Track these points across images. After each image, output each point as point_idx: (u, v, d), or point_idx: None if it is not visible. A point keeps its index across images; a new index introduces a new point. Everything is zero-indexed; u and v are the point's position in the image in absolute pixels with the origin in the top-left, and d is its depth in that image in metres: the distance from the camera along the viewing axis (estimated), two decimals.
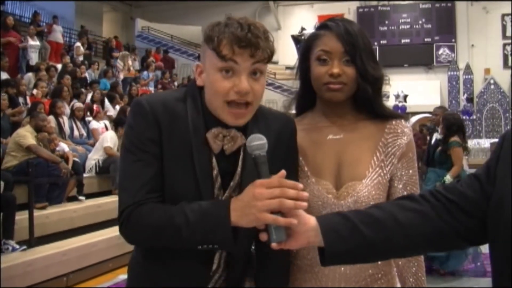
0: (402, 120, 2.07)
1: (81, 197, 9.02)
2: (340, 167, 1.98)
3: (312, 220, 1.58)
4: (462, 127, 7.27)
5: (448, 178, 6.85)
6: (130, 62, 18.12)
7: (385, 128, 2.03)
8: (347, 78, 1.95)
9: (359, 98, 2.01)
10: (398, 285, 2.07)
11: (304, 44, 2.08)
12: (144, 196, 1.72)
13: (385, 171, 1.99)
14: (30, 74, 12.73)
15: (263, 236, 1.56)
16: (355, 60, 1.95)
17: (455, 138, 7.05)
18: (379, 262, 2.00)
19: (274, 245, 1.56)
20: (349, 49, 1.95)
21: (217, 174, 1.81)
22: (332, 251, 1.56)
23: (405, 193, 2.00)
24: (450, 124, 7.08)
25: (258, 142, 1.63)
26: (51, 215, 7.88)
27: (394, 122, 2.04)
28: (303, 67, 2.08)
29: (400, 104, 21.16)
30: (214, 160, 1.80)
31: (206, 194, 1.76)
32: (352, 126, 2.04)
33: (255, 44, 1.68)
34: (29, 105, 10.24)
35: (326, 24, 2.02)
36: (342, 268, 1.98)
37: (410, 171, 2.05)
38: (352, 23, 2.03)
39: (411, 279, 2.06)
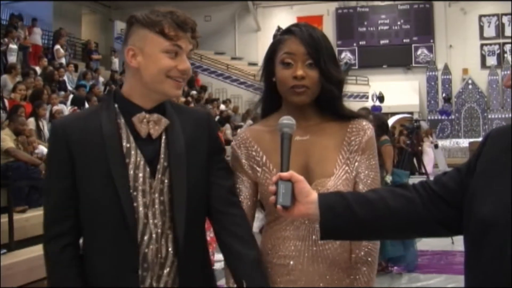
0: (363, 120, 2.15)
1: None
2: (308, 166, 2.04)
3: (314, 195, 1.75)
4: (388, 127, 7.49)
5: (388, 177, 6.93)
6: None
7: (347, 127, 2.11)
8: (310, 82, 2.02)
9: (322, 100, 2.08)
10: (372, 283, 2.12)
11: (269, 49, 2.15)
12: (53, 232, 1.97)
13: (351, 168, 2.08)
14: (5, 76, 12.59)
15: (272, 199, 1.74)
16: (318, 63, 2.02)
17: (386, 137, 7.16)
18: (349, 257, 2.07)
19: (278, 207, 1.72)
20: (312, 52, 2.02)
21: (144, 164, 1.95)
22: (327, 225, 1.72)
23: (365, 188, 2.06)
24: (381, 123, 7.20)
25: (288, 121, 1.84)
26: (31, 218, 7.82)
27: (355, 122, 2.12)
28: (268, 71, 2.15)
29: (376, 105, 21.33)
30: (138, 151, 1.95)
31: (123, 195, 1.90)
32: (317, 127, 2.11)
33: (194, 29, 1.96)
34: (7, 108, 10.17)
35: (289, 29, 2.11)
36: (315, 264, 2.03)
37: (372, 166, 2.11)
38: (316, 29, 2.11)
39: (364, 269, 2.09)
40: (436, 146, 20.28)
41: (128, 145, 1.94)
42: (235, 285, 2.01)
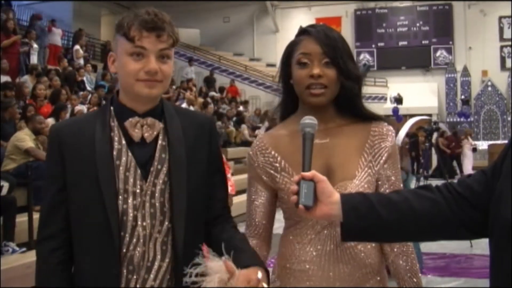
0: (385, 123, 2.13)
1: None
2: (329, 170, 2.01)
3: (336, 195, 1.70)
4: (397, 131, 7.51)
5: (404, 175, 6.96)
6: None
7: (370, 130, 2.09)
8: (328, 80, 1.99)
9: (343, 99, 2.06)
10: (389, 284, 2.10)
11: (285, 51, 2.13)
12: (44, 234, 2.01)
13: (374, 171, 2.05)
14: (26, 76, 12.71)
15: (293, 199, 1.68)
16: (335, 61, 1.99)
17: None
18: (371, 261, 2.04)
19: (300, 207, 1.67)
20: (328, 51, 1.99)
21: (135, 166, 1.91)
22: (349, 226, 1.69)
23: (389, 191, 2.03)
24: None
25: (310, 121, 1.78)
26: None
27: (378, 125, 2.11)
28: (285, 74, 2.13)
29: (395, 106, 21.22)
30: (129, 153, 1.91)
31: (109, 201, 1.87)
32: (337, 129, 2.08)
33: (161, 27, 1.85)
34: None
35: (305, 30, 2.09)
36: (336, 269, 2.00)
37: (395, 171, 2.11)
38: (331, 29, 2.09)
39: (408, 275, 2.07)
40: (474, 150, 20.15)
41: (119, 147, 1.92)
42: None
